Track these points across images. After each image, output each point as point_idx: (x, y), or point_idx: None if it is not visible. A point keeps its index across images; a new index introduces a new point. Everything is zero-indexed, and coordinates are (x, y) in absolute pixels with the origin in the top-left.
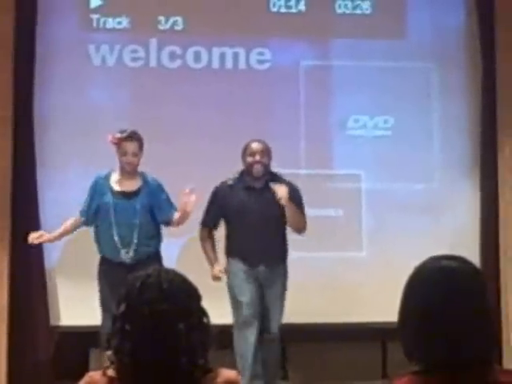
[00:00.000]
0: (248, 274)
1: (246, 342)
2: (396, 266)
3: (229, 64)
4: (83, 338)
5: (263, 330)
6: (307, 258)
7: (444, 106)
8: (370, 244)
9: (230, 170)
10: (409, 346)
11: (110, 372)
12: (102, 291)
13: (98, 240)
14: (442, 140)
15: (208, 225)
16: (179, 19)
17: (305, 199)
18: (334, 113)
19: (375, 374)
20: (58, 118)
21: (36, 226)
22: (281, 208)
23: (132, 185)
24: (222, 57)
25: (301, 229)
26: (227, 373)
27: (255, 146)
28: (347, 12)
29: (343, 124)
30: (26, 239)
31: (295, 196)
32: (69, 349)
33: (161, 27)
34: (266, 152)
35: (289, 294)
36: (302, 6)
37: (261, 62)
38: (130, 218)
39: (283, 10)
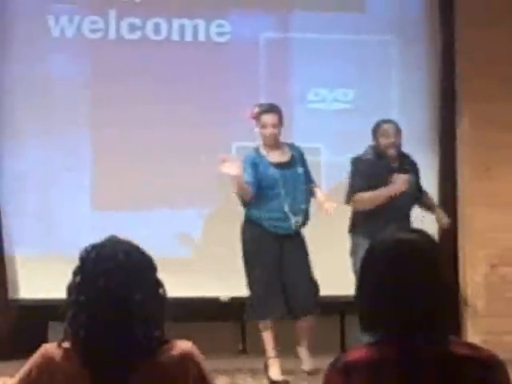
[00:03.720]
0: None
1: None
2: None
3: (188, 36)
4: (42, 311)
5: None
6: None
7: (403, 80)
8: (329, 217)
9: (189, 137)
10: (365, 318)
11: (66, 344)
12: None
13: (258, 214)
14: (401, 113)
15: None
16: None
17: None
18: (293, 86)
19: (334, 346)
20: (16, 89)
21: None
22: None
23: (283, 156)
24: (182, 29)
25: None
26: (183, 344)
27: (387, 127)
28: None
29: (303, 97)
30: None
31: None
32: (28, 322)
33: None
34: (399, 133)
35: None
36: None
37: (221, 34)
38: (297, 186)
39: None
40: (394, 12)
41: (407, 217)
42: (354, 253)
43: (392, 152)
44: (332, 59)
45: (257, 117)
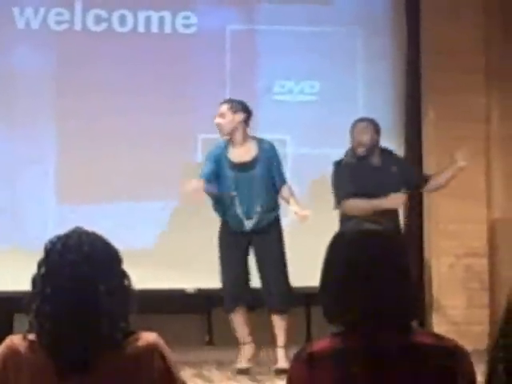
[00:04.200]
0: None
1: None
2: (319, 230)
3: (154, 28)
4: (7, 303)
5: None
6: None
7: (369, 71)
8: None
9: (155, 128)
10: (329, 309)
11: (31, 336)
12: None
13: (222, 211)
14: (367, 105)
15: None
16: None
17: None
18: (259, 78)
19: (300, 338)
20: None
21: None
22: None
23: (246, 155)
24: (148, 20)
25: None
26: (148, 335)
27: (357, 126)
28: None
29: (269, 89)
30: None
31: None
32: None
33: None
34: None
35: (213, 260)
36: None
37: (187, 26)
38: (253, 188)
39: None
40: (359, 3)
41: (397, 215)
42: None
43: (361, 151)
44: (298, 51)
45: None
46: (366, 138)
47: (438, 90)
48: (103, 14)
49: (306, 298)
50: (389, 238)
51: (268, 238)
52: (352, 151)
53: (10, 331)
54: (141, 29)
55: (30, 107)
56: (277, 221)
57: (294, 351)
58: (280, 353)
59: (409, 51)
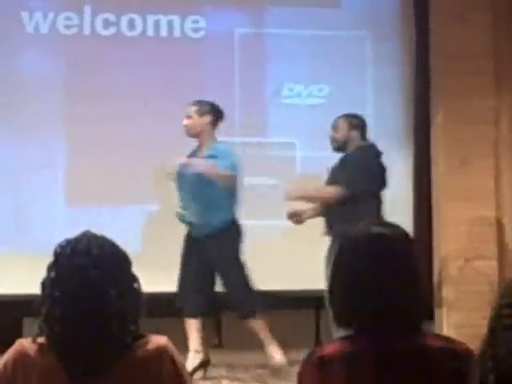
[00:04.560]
0: None
1: None
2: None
3: (163, 32)
4: (16, 307)
5: None
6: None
7: (378, 75)
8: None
9: (163, 132)
10: (338, 312)
11: (41, 339)
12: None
13: None
14: (375, 109)
15: None
16: None
17: None
18: (268, 81)
19: (309, 341)
20: None
21: None
22: None
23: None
24: (157, 24)
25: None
26: (158, 339)
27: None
28: None
29: (278, 92)
30: None
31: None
32: (2, 318)
33: None
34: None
35: None
36: None
37: (195, 29)
38: (189, 191)
39: None
40: (367, 7)
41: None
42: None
43: (332, 147)
44: (306, 55)
45: None
46: (337, 134)
47: (447, 93)
48: (112, 18)
49: (315, 300)
50: (398, 240)
51: (220, 242)
52: None
53: (19, 335)
54: (150, 33)
55: (39, 111)
56: (227, 224)
57: (303, 354)
58: (270, 348)
59: (417, 55)
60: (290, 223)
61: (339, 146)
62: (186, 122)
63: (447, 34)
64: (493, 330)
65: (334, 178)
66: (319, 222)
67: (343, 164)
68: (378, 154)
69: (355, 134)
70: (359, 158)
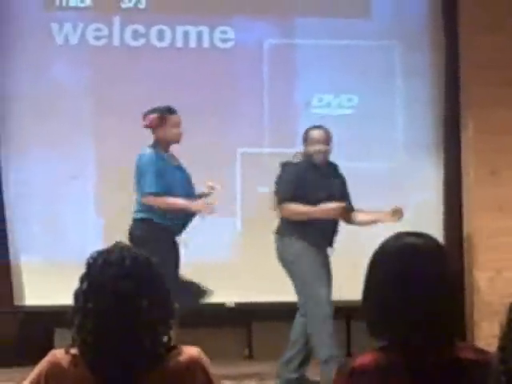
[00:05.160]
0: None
1: None
2: (359, 244)
3: (192, 43)
4: (48, 318)
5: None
6: (272, 237)
7: (407, 85)
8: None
9: (193, 145)
10: (372, 323)
11: (73, 350)
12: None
13: None
14: (405, 119)
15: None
16: None
17: (268, 178)
18: (298, 91)
19: (340, 352)
20: (20, 98)
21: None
22: None
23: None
24: (186, 35)
25: None
26: (190, 350)
27: (316, 133)
28: None
29: (307, 103)
30: None
31: None
32: (34, 329)
33: (124, 5)
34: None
35: (252, 273)
36: None
37: (224, 40)
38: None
39: None
40: (397, 18)
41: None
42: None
43: (320, 158)
44: (335, 65)
45: (163, 119)
46: (325, 147)
47: (477, 103)
48: (141, 29)
49: (346, 311)
50: (432, 251)
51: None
52: (303, 155)
53: (50, 346)
54: (179, 44)
55: (70, 123)
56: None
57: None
58: None
59: (447, 64)
60: None
61: (324, 159)
62: (181, 130)
63: (477, 44)
64: (503, 346)
65: (334, 190)
66: (341, 234)
67: (340, 179)
68: None
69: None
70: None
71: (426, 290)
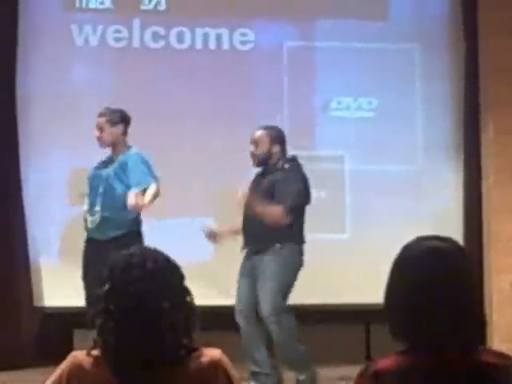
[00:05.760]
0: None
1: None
2: (379, 247)
3: (212, 45)
4: (67, 318)
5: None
6: None
7: (427, 88)
8: (353, 225)
9: (212, 147)
10: (395, 326)
11: (95, 352)
12: None
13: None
14: (425, 122)
15: None
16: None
17: None
18: (317, 94)
19: (359, 355)
20: (40, 99)
21: (19, 208)
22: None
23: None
24: (206, 37)
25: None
26: (212, 352)
27: (252, 135)
28: None
29: (327, 105)
30: (7, 220)
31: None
32: (53, 330)
33: (144, 7)
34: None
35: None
36: None
37: (244, 42)
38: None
39: None
40: (416, 20)
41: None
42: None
43: (252, 162)
44: (355, 67)
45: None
46: (258, 149)
47: (497, 105)
48: (161, 31)
49: (365, 315)
50: (457, 255)
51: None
52: None
53: (69, 347)
54: (198, 46)
55: (90, 124)
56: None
57: (353, 369)
58: None
59: (467, 67)
60: (337, 236)
61: (260, 162)
62: (98, 134)
63: (497, 46)
64: None
65: (270, 192)
66: (361, 237)
67: (282, 178)
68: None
69: (277, 147)
70: (296, 173)
71: (450, 293)
